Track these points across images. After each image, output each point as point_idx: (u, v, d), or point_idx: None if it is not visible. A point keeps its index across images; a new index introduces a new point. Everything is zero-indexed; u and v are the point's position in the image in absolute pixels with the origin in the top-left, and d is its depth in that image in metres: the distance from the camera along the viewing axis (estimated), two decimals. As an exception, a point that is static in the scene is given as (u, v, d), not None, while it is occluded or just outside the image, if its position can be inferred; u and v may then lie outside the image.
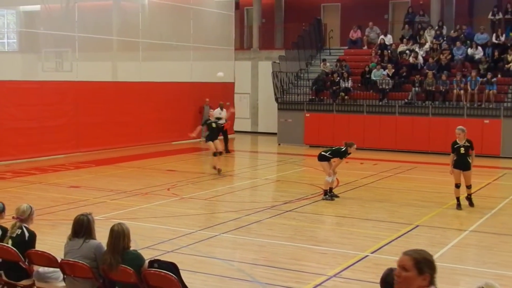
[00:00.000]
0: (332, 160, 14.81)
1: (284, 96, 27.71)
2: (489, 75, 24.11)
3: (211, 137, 18.87)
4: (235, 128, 29.97)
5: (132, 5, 27.16)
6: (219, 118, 19.23)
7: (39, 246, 7.30)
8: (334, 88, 26.41)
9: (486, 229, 12.21)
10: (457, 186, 13.71)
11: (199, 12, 28.54)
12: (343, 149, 14.72)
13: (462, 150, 13.55)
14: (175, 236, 11.06)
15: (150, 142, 25.45)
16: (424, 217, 13.11)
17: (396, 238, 11.31)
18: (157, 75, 25.83)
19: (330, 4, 33.29)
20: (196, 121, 27.74)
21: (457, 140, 13.68)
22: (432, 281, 3.99)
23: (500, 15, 27.92)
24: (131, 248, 6.65)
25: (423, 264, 3.95)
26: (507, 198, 15.53)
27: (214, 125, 18.94)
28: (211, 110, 21.71)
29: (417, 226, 12.33)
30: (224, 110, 23.91)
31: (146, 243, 10.33)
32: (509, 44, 26.09)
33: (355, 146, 14.80)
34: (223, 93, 28.58)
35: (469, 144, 13.58)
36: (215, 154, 18.63)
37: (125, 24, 26.24)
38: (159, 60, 26.62)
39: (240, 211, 13.51)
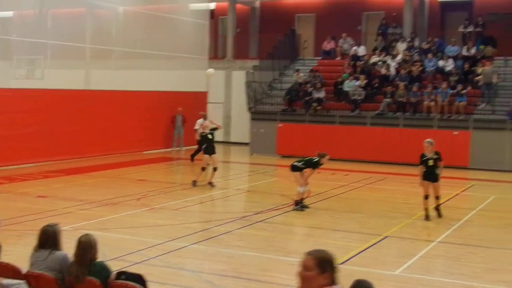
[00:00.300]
0: (304, 170, 14.88)
1: (257, 106, 27.79)
2: (459, 87, 24.46)
3: (210, 150, 18.11)
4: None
5: (106, 12, 27.06)
6: (214, 129, 18.55)
7: (5, 257, 7.22)
8: (307, 98, 26.55)
9: (454, 240, 12.35)
10: (426, 197, 13.89)
11: (174, 21, 28.52)
12: (316, 159, 14.79)
13: (431, 163, 13.76)
14: (144, 247, 11.01)
15: (122, 151, 25.31)
16: (394, 228, 13.22)
17: (366, 249, 11.38)
18: (130, 83, 25.71)
19: (305, 14, 33.49)
20: (168, 130, 27.74)
21: (425, 152, 13.87)
22: (333, 280, 4.14)
23: (471, 28, 28.36)
24: (99, 260, 6.62)
25: (324, 264, 4.10)
26: (475, 209, 15.73)
27: (210, 136, 18.23)
28: (205, 121, 21.49)
29: (386, 237, 12.42)
30: (207, 120, 23.81)
31: (115, 254, 10.27)
32: (479, 57, 26.50)
33: (327, 156, 14.88)
34: (196, 102, 28.58)
35: (437, 156, 13.81)
36: (203, 168, 18.27)
37: (99, 31, 26.10)
38: (133, 69, 26.52)
39: (210, 222, 13.51)
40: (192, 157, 23.67)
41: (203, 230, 12.61)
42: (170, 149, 27.56)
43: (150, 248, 10.96)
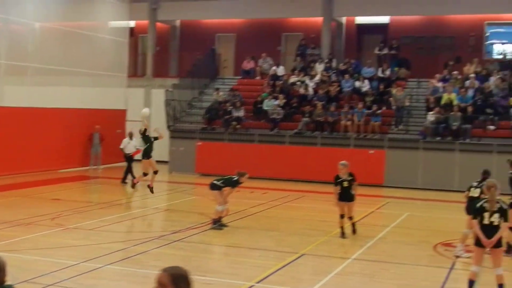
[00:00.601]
0: (223, 189, 14.90)
1: (177, 124, 27.68)
2: (374, 107, 25.14)
3: (149, 154, 18.32)
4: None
5: (21, 28, 26.36)
6: (156, 138, 18.50)
7: None
8: (227, 117, 26.65)
9: (368, 257, 12.61)
10: (342, 216, 14.18)
11: (93, 38, 28.11)
12: (235, 178, 14.87)
13: (345, 184, 14.08)
14: (57, 269, 10.71)
15: (37, 170, 24.61)
16: (310, 245, 13.38)
17: (282, 267, 11.46)
18: (47, 100, 25.12)
19: (225, 34, 33.68)
20: (85, 149, 27.20)
21: (340, 174, 14.14)
22: None
23: (386, 51, 29.25)
24: (7, 283, 6.38)
25: (179, 280, 4.23)
26: (388, 226, 16.14)
27: (148, 144, 18.35)
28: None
29: (303, 254, 12.56)
30: (134, 139, 23.53)
31: (26, 276, 9.94)
32: (393, 78, 27.34)
33: (247, 175, 14.98)
34: (115, 120, 28.19)
35: (351, 178, 14.11)
36: (145, 174, 18.47)
37: (14, 47, 25.40)
38: (50, 85, 25.92)
39: (127, 242, 13.30)
40: (124, 178, 23.01)
41: (119, 250, 12.39)
42: (87, 167, 27.01)
43: (63, 270, 10.67)
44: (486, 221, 9.40)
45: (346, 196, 14.09)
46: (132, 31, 32.96)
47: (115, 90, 28.58)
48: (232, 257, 12.49)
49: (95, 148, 27.24)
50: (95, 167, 27.22)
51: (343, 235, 14.14)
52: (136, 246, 12.72)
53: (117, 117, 28.74)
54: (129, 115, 30.02)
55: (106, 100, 27.95)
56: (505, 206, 9.57)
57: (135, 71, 33.78)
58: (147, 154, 18.25)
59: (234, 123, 26.39)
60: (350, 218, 14.31)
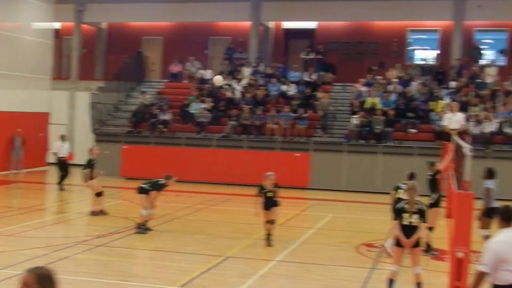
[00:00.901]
0: (150, 193, 14.76)
1: (102, 128, 27.24)
2: (300, 111, 25.43)
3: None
4: (50, 160, 28.76)
5: None
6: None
7: None
8: (153, 120, 26.41)
9: (293, 258, 12.73)
10: (267, 222, 13.80)
11: (15, 39, 27.32)
12: (162, 181, 14.77)
13: (270, 194, 13.67)
14: (-27, 276, 10.37)
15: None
16: (235, 248, 13.41)
17: (207, 270, 11.44)
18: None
19: (152, 37, 33.39)
20: (5, 153, 26.37)
21: (265, 184, 13.75)
22: None
23: (313, 55, 29.65)
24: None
25: (44, 280, 4.29)
26: (313, 228, 16.35)
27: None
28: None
29: (228, 257, 12.57)
30: (67, 142, 22.89)
31: None
32: (319, 83, 27.74)
33: (174, 178, 14.91)
34: (38, 123, 27.50)
35: (276, 188, 13.74)
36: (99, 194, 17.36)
37: None
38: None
39: (48, 247, 12.98)
40: (60, 183, 22.23)
41: (39, 256, 12.06)
42: (8, 172, 26.22)
43: (-21, 277, 10.33)
44: (405, 222, 9.68)
45: (270, 204, 13.69)
46: (57, 33, 32.24)
47: (38, 92, 27.88)
48: (156, 261, 12.38)
49: (17, 151, 26.43)
50: (16, 171, 26.42)
51: (268, 239, 13.78)
52: (58, 252, 12.44)
53: (40, 120, 28.02)
54: (52, 118, 29.32)
55: (28, 103, 27.24)
56: (424, 208, 9.86)
57: (60, 74, 33.04)
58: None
59: (160, 126, 26.18)
60: (272, 222, 13.81)
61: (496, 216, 12.91)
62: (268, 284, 11.04)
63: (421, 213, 9.71)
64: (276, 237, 14.34)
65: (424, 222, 9.80)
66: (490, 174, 13.32)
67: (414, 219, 9.67)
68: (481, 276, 6.65)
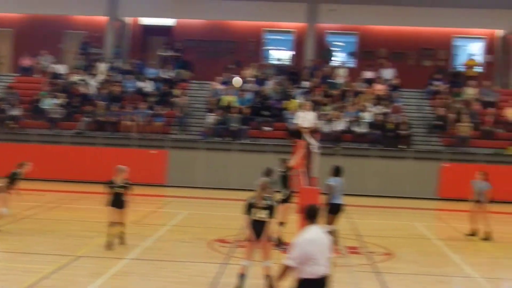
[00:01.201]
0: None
1: None
2: (157, 108, 25.28)
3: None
4: None
5: None
6: None
7: None
8: (2, 116, 25.21)
9: (146, 256, 12.65)
10: (112, 224, 13.17)
11: None
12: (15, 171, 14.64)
13: (119, 190, 13.10)
14: None
15: None
16: (86, 247, 13.11)
17: (56, 270, 11.09)
18: None
19: (1, 29, 31.83)
20: None
21: (115, 179, 13.18)
22: None
23: (170, 53, 29.57)
24: None
25: None
26: (167, 225, 16.35)
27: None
28: None
29: (79, 257, 12.26)
30: None
31: None
32: (176, 80, 27.72)
33: (27, 165, 14.87)
34: None
35: (127, 185, 13.18)
36: None
37: None
38: None
39: None
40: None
41: None
42: None
43: None
44: (255, 217, 9.94)
45: (118, 202, 13.10)
46: None
47: None
48: (2, 263, 11.82)
49: None
50: None
51: (109, 245, 12.98)
52: None
53: None
54: None
55: None
56: (273, 203, 10.16)
57: None
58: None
59: (9, 122, 25.04)
60: (121, 224, 13.29)
61: (328, 213, 13.64)
62: (120, 283, 10.89)
63: (270, 209, 10.00)
64: (130, 235, 14.14)
65: (273, 217, 10.10)
66: (336, 171, 13.94)
67: (264, 214, 9.94)
68: (287, 269, 7.05)
